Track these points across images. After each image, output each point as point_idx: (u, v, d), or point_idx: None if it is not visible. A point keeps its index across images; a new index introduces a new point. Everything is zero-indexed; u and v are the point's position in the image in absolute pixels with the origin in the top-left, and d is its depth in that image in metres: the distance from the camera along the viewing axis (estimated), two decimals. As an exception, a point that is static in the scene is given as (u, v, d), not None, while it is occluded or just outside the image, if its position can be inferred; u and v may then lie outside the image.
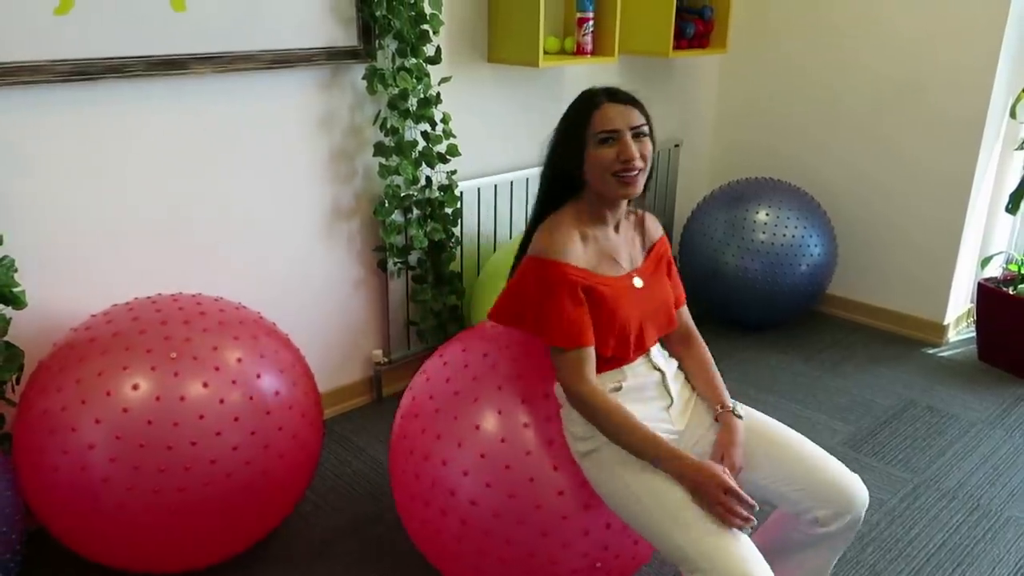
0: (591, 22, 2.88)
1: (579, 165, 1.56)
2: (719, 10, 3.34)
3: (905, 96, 3.25)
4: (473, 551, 1.64)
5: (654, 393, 1.64)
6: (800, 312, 3.43)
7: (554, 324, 1.52)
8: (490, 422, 1.64)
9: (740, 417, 1.63)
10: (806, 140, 3.59)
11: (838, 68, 3.41)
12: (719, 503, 1.39)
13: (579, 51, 2.91)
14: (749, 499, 1.41)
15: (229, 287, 2.39)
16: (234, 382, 1.77)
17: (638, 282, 1.64)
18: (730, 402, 1.66)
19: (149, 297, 1.95)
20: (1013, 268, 3.22)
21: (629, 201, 1.63)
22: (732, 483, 1.41)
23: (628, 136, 1.52)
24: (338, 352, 2.73)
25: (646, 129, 1.56)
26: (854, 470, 2.42)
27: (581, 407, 1.53)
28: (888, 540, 2.16)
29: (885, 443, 2.63)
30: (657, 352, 1.69)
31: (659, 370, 1.66)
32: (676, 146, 3.67)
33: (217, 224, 2.33)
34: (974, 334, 3.32)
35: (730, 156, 3.89)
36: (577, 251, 1.55)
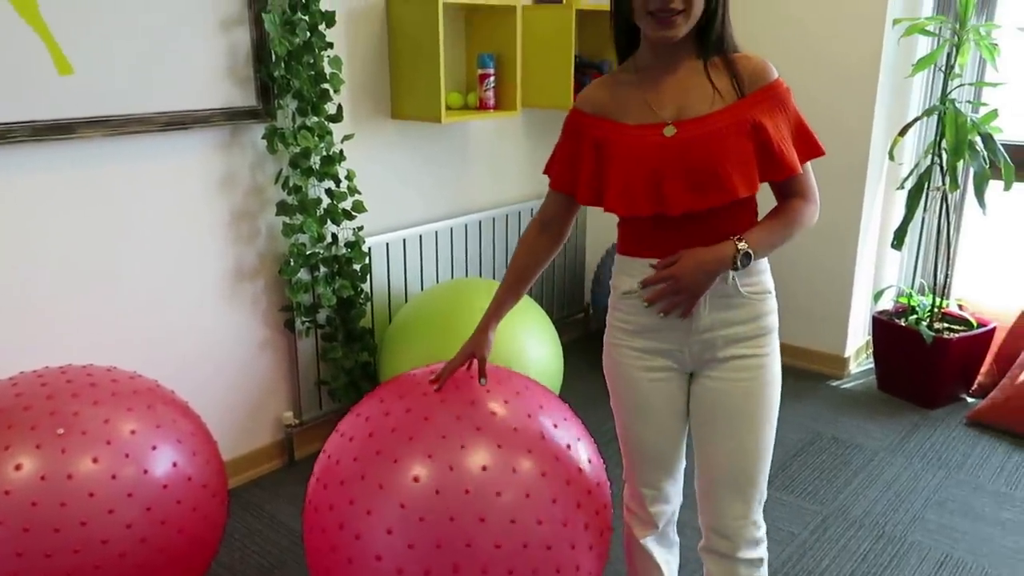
0: (492, 78, 2.95)
1: (626, 10, 1.43)
2: (616, 64, 3.46)
3: (794, 142, 3.42)
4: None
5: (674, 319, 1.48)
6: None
7: (550, 160, 1.59)
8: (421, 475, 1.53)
9: (737, 251, 1.41)
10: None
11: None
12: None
13: (482, 106, 2.96)
14: (445, 379, 1.65)
15: (125, 356, 2.31)
16: (127, 455, 1.69)
17: (669, 131, 1.41)
18: (746, 239, 1.43)
19: (35, 371, 1.86)
20: (903, 301, 3.39)
21: (708, 45, 1.43)
22: (447, 374, 1.65)
23: None
24: (245, 416, 2.65)
25: None
26: (767, 506, 2.48)
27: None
28: (800, 574, 2.21)
29: (795, 476, 2.69)
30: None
31: None
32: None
33: (111, 290, 2.25)
34: (872, 365, 3.47)
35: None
36: (598, 99, 1.51)
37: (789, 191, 1.48)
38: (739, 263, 1.41)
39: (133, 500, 1.67)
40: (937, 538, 2.36)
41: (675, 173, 1.40)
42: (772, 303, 1.52)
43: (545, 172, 1.61)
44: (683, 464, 1.67)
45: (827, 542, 2.35)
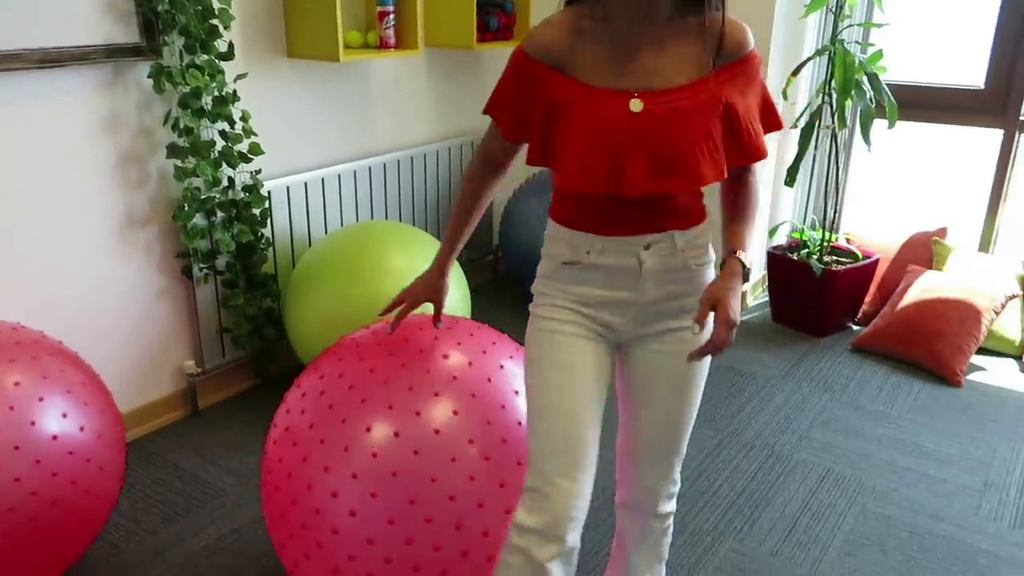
0: (392, 15, 2.88)
1: None
2: (519, 3, 3.43)
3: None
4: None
5: (620, 283, 1.40)
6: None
7: (492, 96, 1.41)
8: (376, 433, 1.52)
9: (745, 267, 1.35)
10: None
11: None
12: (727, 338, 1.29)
13: (382, 45, 2.90)
14: (397, 323, 1.61)
15: (6, 307, 2.20)
16: (12, 408, 1.64)
17: (636, 105, 1.27)
18: (739, 249, 1.37)
19: (-94, 324, 1.77)
20: (796, 236, 3.54)
21: (709, 7, 1.30)
22: (399, 306, 1.57)
23: None
24: (145, 367, 2.59)
25: None
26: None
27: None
28: (694, 494, 2.33)
29: (693, 405, 2.82)
30: (667, 244, 1.39)
31: (639, 260, 1.38)
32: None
33: (-11, 239, 2.14)
34: (767, 298, 3.63)
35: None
36: (555, 45, 1.30)
37: (742, 171, 1.43)
38: (747, 276, 1.37)
39: (20, 453, 1.62)
40: (821, 455, 2.52)
41: (639, 154, 1.28)
42: (712, 271, 1.46)
43: (488, 112, 1.43)
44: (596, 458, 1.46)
45: (721, 464, 2.48)
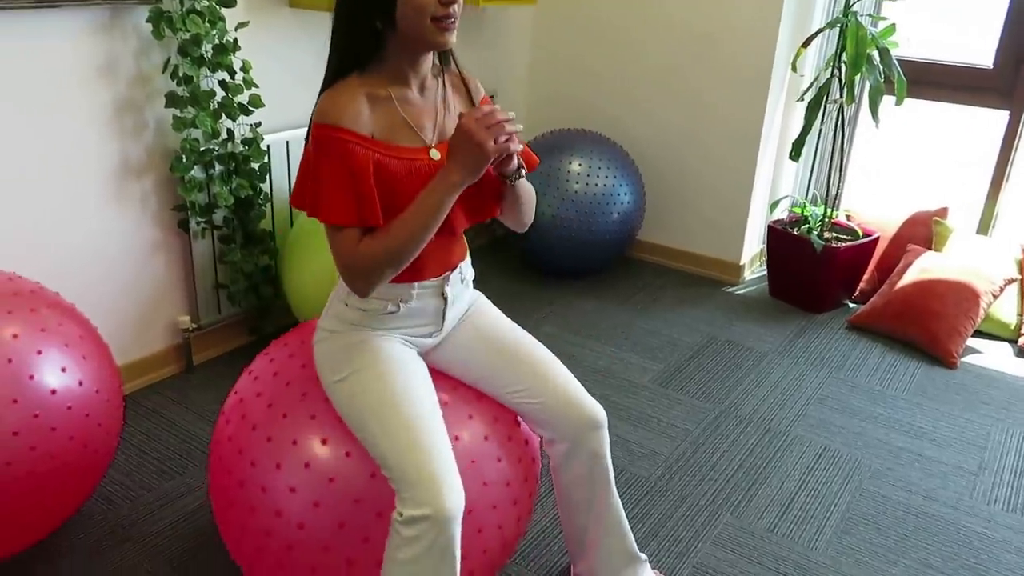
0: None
1: (390, 7, 1.33)
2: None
3: (701, 49, 3.43)
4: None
5: (428, 319, 1.56)
6: (613, 259, 3.58)
7: (328, 196, 1.33)
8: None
9: (522, 176, 1.50)
10: (614, 92, 3.71)
11: (641, 20, 3.54)
12: (489, 137, 1.34)
13: (388, -2, 2.81)
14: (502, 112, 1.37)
15: (0, 257, 2.14)
16: (10, 360, 1.59)
17: (435, 155, 1.44)
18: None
19: None
20: (797, 211, 3.52)
21: (442, 60, 1.49)
22: (476, 114, 1.35)
23: None
24: (139, 321, 2.53)
25: None
26: (663, 406, 2.62)
27: (366, 274, 1.36)
28: (693, 467, 2.34)
29: (690, 378, 2.82)
30: (456, 275, 1.57)
31: (444, 297, 1.55)
32: (491, 96, 3.67)
33: (-19, 185, 2.07)
34: (766, 272, 3.62)
35: (544, 107, 3.94)
36: (362, 116, 1.35)
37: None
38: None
39: (19, 407, 1.58)
40: (817, 432, 2.53)
41: (459, 196, 1.40)
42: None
43: (341, 218, 1.34)
44: None
45: (718, 438, 2.48)
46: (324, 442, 1.47)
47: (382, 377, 1.44)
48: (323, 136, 1.33)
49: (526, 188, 1.55)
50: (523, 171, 1.50)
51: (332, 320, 1.53)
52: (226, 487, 1.54)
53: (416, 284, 1.50)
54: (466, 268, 1.62)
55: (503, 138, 1.36)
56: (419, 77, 1.44)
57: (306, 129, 1.43)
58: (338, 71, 1.40)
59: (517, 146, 1.40)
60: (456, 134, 1.36)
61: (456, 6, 1.35)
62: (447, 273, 1.54)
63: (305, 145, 1.41)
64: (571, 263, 3.48)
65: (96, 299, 2.39)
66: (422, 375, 1.51)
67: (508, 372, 1.60)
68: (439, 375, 1.61)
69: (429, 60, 1.45)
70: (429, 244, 1.41)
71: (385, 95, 1.40)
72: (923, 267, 3.16)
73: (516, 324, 1.69)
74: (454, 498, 1.35)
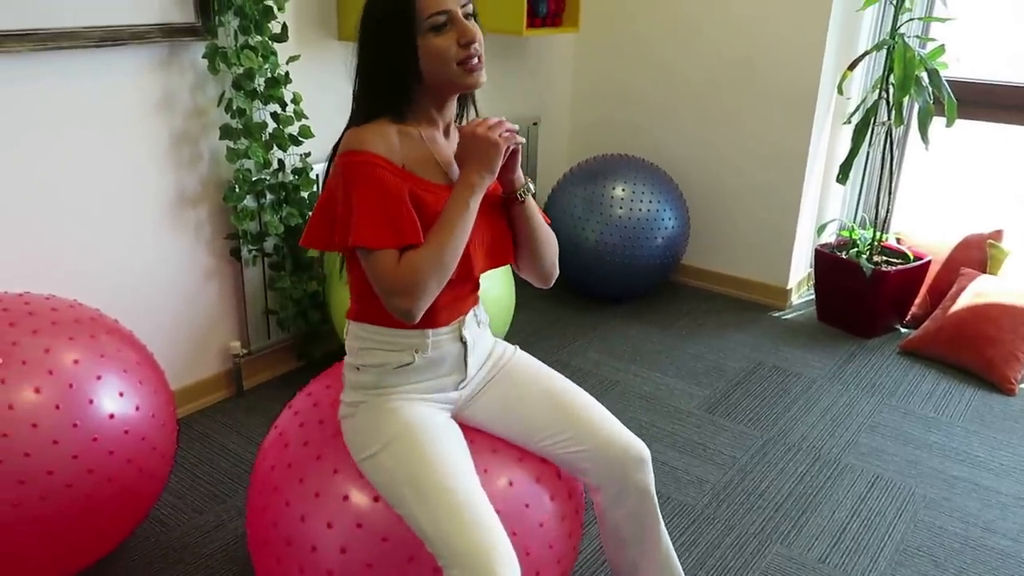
0: (443, 0, 2.85)
1: (412, 62, 1.35)
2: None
3: (745, 73, 3.43)
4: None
5: (450, 368, 1.51)
6: (657, 283, 3.56)
7: (362, 220, 1.29)
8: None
9: (531, 192, 1.51)
10: (657, 117, 3.72)
11: (683, 46, 3.55)
12: (494, 132, 1.37)
13: (433, 29, 2.87)
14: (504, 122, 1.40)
15: (61, 286, 2.22)
16: (71, 386, 1.65)
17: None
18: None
19: (-32, 299, 1.78)
20: (845, 234, 3.47)
21: (464, 107, 1.52)
22: (473, 122, 1.39)
23: (461, 16, 1.36)
24: (192, 346, 2.60)
25: (473, 8, 1.39)
26: (710, 432, 2.59)
27: (410, 291, 1.30)
28: (741, 495, 2.30)
29: (737, 404, 2.78)
30: (471, 317, 1.54)
31: (463, 342, 1.51)
32: (535, 124, 3.71)
33: (45, 216, 2.15)
34: (813, 297, 3.57)
35: (588, 133, 3.97)
36: (393, 146, 1.35)
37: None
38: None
39: (78, 431, 1.63)
40: (869, 460, 2.47)
41: (477, 239, 1.42)
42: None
43: (381, 241, 1.31)
44: None
45: (767, 465, 2.44)
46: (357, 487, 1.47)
47: (414, 447, 1.37)
48: (353, 162, 1.32)
49: (541, 223, 1.53)
50: (531, 185, 1.50)
51: (350, 392, 1.49)
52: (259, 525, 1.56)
53: (430, 331, 1.45)
54: (480, 312, 1.58)
55: (506, 132, 1.40)
56: (444, 121, 1.47)
57: (326, 164, 1.44)
58: (368, 117, 1.40)
59: (520, 139, 1.43)
60: (462, 142, 1.39)
61: (477, 44, 1.36)
62: (461, 317, 1.50)
63: (325, 178, 1.39)
64: (615, 288, 3.48)
65: (152, 325, 2.46)
66: (456, 438, 1.44)
67: (552, 420, 1.55)
68: (473, 433, 1.55)
69: (454, 105, 1.48)
70: (443, 292, 1.38)
71: (416, 133, 1.42)
72: (977, 291, 3.09)
73: (555, 371, 1.64)
74: (507, 567, 1.26)
